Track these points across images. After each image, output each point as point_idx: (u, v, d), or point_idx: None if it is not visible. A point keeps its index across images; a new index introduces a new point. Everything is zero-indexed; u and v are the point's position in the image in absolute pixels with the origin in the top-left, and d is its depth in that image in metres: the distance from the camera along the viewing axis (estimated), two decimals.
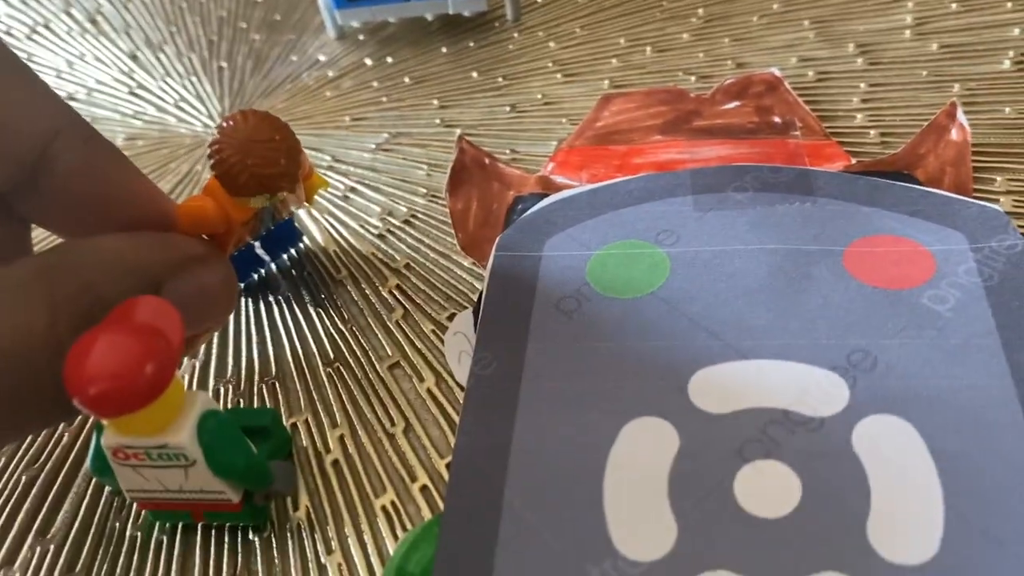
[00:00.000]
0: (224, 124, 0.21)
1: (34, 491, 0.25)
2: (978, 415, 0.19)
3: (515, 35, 0.40)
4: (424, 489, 0.23)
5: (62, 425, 0.27)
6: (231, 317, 0.29)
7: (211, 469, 0.20)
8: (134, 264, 0.19)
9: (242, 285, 0.29)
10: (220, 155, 0.20)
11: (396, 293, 0.28)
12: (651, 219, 0.26)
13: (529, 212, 0.27)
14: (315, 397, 0.26)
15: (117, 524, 0.23)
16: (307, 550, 0.22)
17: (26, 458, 0.26)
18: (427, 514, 0.22)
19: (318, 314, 0.28)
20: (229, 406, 0.26)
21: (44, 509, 0.24)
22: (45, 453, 0.26)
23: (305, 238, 0.31)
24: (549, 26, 0.40)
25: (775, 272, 0.24)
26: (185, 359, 0.28)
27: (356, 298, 0.29)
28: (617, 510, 0.19)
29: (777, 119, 0.30)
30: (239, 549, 0.22)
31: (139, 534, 0.23)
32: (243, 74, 0.41)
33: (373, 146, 0.35)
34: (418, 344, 0.26)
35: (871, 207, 0.25)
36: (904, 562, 0.17)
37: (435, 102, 0.37)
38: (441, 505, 0.22)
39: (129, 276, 0.18)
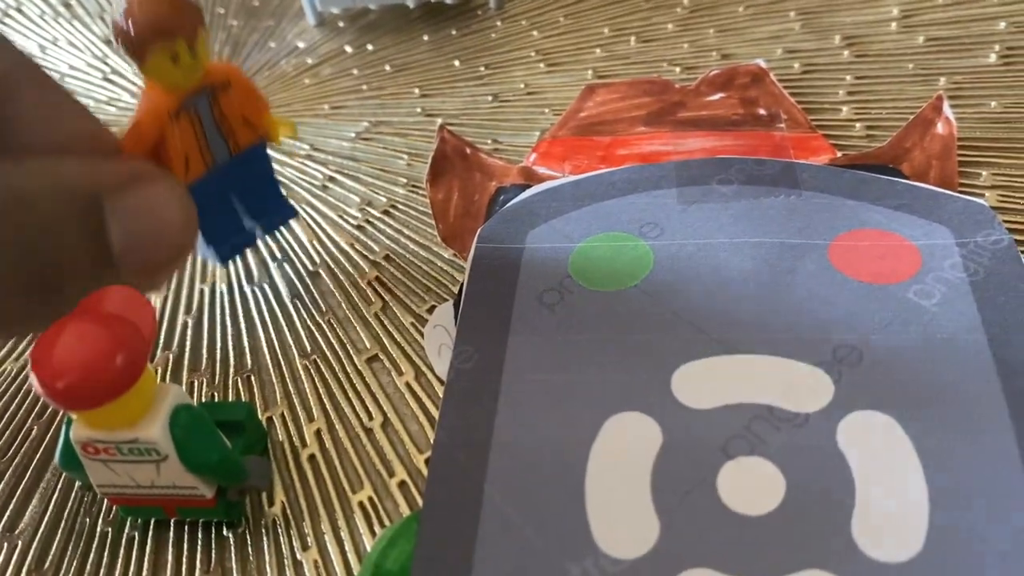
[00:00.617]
0: None
1: (1, 486, 0.24)
2: (964, 411, 0.19)
3: (498, 23, 0.39)
4: (402, 485, 0.22)
5: (30, 419, 0.26)
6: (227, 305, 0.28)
7: (184, 464, 0.20)
8: (70, 178, 0.17)
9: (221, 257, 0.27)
10: (114, 20, 0.21)
11: (375, 285, 0.28)
12: (635, 211, 0.26)
13: (511, 203, 0.27)
14: (292, 391, 0.25)
15: (87, 520, 0.23)
16: (283, 547, 0.21)
17: None
18: (405, 510, 0.22)
19: (295, 306, 0.28)
20: (203, 400, 0.26)
21: (12, 504, 0.24)
22: (13, 448, 0.25)
23: (282, 227, 0.31)
24: (532, 15, 0.39)
25: (760, 266, 0.23)
26: (159, 352, 0.27)
27: (334, 289, 0.28)
28: (599, 506, 0.19)
29: (762, 111, 0.30)
30: (213, 546, 0.22)
31: (110, 530, 0.23)
32: (220, 60, 0.40)
33: (352, 135, 0.35)
34: (397, 337, 0.26)
35: (856, 201, 0.25)
36: (889, 560, 0.17)
37: (416, 91, 0.36)
38: (420, 501, 0.22)
39: (64, 192, 0.17)
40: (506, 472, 0.20)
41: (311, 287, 0.28)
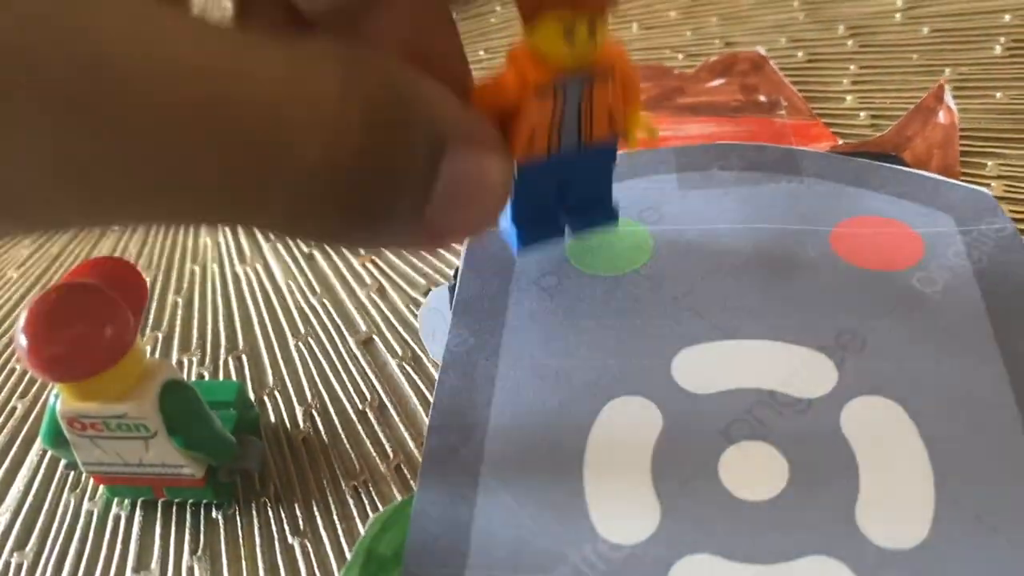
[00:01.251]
0: None
1: None
2: (968, 397, 0.19)
3: (497, 8, 0.39)
4: (396, 468, 0.22)
5: (13, 397, 0.25)
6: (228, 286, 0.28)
7: (173, 441, 0.19)
8: (439, 106, 0.16)
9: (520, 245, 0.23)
10: None
11: (370, 266, 0.27)
12: (634, 196, 0.26)
13: None
14: (284, 372, 0.25)
15: (72, 499, 0.22)
16: (273, 530, 0.21)
17: None
18: (399, 494, 0.21)
19: (288, 286, 0.27)
20: (194, 379, 0.25)
21: None
22: None
23: None
24: None
25: (761, 251, 0.23)
26: (147, 330, 0.27)
27: (328, 271, 0.28)
28: (598, 492, 0.18)
29: (763, 98, 0.30)
30: (202, 527, 0.21)
31: (95, 510, 0.22)
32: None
33: None
34: (392, 319, 0.26)
35: (858, 188, 0.25)
36: (894, 546, 0.17)
37: None
38: (414, 485, 0.21)
39: (425, 108, 0.15)
40: (503, 457, 0.19)
41: (305, 268, 0.28)
